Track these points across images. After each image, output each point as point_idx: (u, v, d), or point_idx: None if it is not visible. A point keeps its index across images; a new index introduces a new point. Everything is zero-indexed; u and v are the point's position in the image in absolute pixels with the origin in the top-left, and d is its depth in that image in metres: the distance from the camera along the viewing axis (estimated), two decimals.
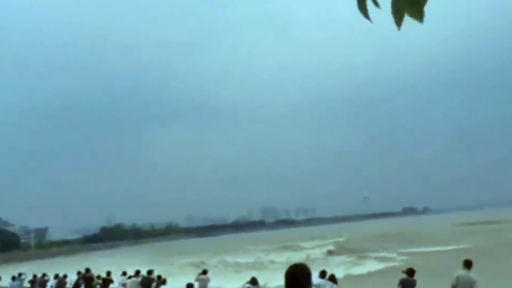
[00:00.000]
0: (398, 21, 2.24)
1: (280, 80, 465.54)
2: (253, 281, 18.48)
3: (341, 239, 73.16)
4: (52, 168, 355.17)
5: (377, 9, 2.30)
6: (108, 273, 25.37)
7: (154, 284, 22.47)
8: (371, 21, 2.33)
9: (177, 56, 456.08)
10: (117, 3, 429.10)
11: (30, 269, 46.45)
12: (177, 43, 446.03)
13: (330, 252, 59.31)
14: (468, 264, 12.96)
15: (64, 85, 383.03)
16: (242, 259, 58.02)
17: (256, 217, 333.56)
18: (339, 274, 17.80)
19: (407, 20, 2.22)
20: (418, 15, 2.20)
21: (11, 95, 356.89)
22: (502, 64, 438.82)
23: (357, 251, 54.63)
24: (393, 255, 49.40)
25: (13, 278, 29.65)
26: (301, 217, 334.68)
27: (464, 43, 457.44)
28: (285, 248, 69.63)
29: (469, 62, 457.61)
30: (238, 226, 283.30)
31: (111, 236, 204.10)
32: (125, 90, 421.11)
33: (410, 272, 14.85)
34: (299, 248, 67.64)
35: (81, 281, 24.87)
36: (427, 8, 2.20)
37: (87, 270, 25.53)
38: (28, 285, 27.91)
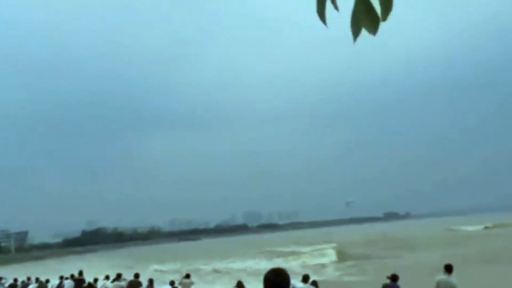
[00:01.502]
0: (356, 33, 2.22)
1: (263, 85, 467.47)
2: (239, 285, 18.51)
3: (333, 245, 69.88)
4: (33, 171, 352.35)
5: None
6: (80, 273, 25.23)
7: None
8: (326, 26, 2.29)
9: (167, 64, 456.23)
10: (115, 13, 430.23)
11: (10, 273, 46.02)
12: (167, 51, 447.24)
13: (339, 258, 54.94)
14: (448, 269, 12.99)
15: (51, 90, 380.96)
16: (235, 265, 53.40)
17: (239, 221, 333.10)
18: None
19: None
20: (373, 30, 2.20)
21: None
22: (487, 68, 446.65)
23: (360, 258, 51.89)
24: (403, 260, 45.26)
25: None
26: (284, 221, 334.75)
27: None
28: (281, 254, 65.43)
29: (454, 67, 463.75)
30: (220, 230, 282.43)
31: (92, 240, 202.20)
32: (108, 95, 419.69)
33: (394, 277, 14.98)
34: (295, 254, 63.68)
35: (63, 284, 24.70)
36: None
37: (80, 273, 25.42)
38: None
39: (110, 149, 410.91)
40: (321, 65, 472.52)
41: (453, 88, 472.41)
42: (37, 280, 27.45)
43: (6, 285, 28.17)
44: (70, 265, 60.08)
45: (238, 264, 53.13)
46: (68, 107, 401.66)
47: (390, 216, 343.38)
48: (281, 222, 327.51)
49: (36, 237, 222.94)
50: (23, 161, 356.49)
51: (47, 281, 27.62)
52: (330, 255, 57.61)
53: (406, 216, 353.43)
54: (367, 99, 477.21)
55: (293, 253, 64.62)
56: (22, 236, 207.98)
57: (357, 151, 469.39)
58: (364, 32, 2.22)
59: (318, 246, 70.39)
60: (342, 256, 55.61)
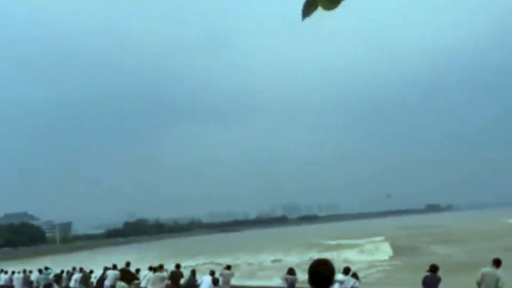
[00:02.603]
0: (308, 12, 2.27)
1: (295, 76, 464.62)
2: (291, 272, 18.29)
3: (381, 238, 65.03)
4: (77, 164, 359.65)
5: None
6: (127, 264, 24.87)
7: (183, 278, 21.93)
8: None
9: (200, 57, 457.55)
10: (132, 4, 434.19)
11: (55, 263, 46.32)
12: (196, 43, 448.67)
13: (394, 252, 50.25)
14: (497, 263, 12.77)
15: (90, 85, 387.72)
16: (289, 258, 49.14)
17: (279, 213, 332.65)
18: None
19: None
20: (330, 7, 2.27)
21: (34, 92, 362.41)
22: None
23: (418, 252, 47.26)
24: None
25: (40, 271, 29.52)
26: (323, 213, 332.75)
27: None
28: (332, 247, 61.02)
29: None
30: (260, 222, 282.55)
31: (134, 231, 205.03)
32: (149, 90, 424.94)
33: (433, 268, 14.35)
34: (347, 247, 58.83)
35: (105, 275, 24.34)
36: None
37: (127, 264, 25.09)
38: (53, 278, 27.53)
39: (153, 144, 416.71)
40: (352, 56, 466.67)
41: (489, 77, 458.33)
42: (81, 270, 27.30)
43: (51, 276, 28.00)
44: (113, 256, 60.20)
45: (292, 258, 48.30)
46: (106, 102, 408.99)
47: (432, 208, 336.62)
48: (320, 214, 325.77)
49: (80, 228, 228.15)
50: (67, 155, 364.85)
51: (91, 271, 27.47)
52: (385, 249, 53.19)
53: (448, 208, 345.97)
54: (401, 90, 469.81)
55: (345, 246, 60.46)
56: (66, 227, 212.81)
57: (398, 142, 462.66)
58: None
59: (369, 239, 65.65)
60: (398, 250, 50.90)
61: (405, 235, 73.92)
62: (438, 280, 13.97)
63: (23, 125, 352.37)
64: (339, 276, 15.45)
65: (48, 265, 31.67)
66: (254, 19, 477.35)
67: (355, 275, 16.39)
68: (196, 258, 56.65)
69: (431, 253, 46.08)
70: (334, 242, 67.02)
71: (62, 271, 29.14)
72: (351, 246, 59.28)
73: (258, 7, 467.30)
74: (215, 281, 17.56)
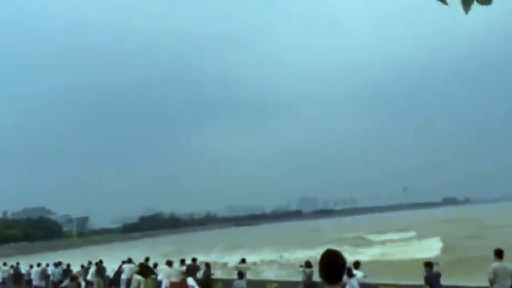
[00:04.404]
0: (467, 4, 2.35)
1: (317, 71, 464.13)
2: (308, 264, 18.22)
3: (412, 233, 60.19)
4: (93, 159, 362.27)
5: None
6: (147, 259, 25.00)
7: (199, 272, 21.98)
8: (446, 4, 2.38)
9: (227, 52, 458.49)
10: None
11: (71, 257, 46.47)
12: (226, 38, 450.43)
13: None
14: (499, 254, 12.36)
15: (107, 80, 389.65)
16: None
17: (294, 207, 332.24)
18: None
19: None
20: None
21: (57, 84, 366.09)
22: None
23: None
24: None
25: (55, 265, 30.04)
26: (339, 206, 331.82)
27: None
28: (363, 243, 55.38)
29: None
30: (276, 216, 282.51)
31: (150, 225, 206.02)
32: (163, 81, 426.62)
33: (428, 264, 14.15)
34: (380, 244, 53.13)
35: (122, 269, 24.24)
36: None
37: (147, 259, 25.02)
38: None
39: (168, 138, 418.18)
40: (386, 52, 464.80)
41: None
42: (98, 263, 27.29)
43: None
44: (128, 251, 59.69)
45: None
46: (124, 95, 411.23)
47: (449, 202, 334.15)
48: (336, 208, 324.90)
49: (97, 223, 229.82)
50: (85, 148, 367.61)
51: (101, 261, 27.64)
52: (432, 245, 46.12)
53: (466, 201, 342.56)
54: (430, 82, 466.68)
55: (378, 242, 55.36)
56: (83, 221, 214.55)
57: (414, 135, 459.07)
58: None
59: (401, 235, 61.44)
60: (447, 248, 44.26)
61: (439, 229, 66.89)
62: (439, 275, 13.87)
63: (39, 119, 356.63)
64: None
65: (62, 260, 31.94)
66: (281, 13, 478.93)
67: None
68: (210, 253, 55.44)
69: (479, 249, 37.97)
70: (373, 238, 61.79)
71: (68, 265, 29.45)
72: (390, 241, 55.18)
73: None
74: (240, 275, 17.40)
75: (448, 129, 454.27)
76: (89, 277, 25.92)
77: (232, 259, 39.26)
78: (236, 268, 21.45)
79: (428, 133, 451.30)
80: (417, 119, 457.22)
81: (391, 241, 55.96)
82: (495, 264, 12.19)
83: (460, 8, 2.40)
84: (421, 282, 14.26)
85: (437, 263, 14.62)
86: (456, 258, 35.82)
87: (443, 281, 14.08)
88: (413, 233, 61.78)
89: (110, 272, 26.55)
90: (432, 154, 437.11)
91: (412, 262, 32.58)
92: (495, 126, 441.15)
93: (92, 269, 26.62)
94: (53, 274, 28.75)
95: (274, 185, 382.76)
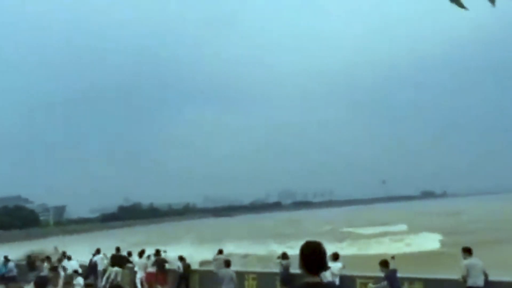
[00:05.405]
0: None
1: (293, 61, 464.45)
2: (284, 256, 18.26)
3: (403, 226, 59.19)
4: (71, 148, 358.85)
5: None
6: (118, 249, 24.46)
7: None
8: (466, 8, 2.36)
9: (211, 39, 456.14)
10: None
11: (48, 246, 45.66)
12: (212, 25, 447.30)
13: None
14: (469, 251, 12.63)
15: (90, 69, 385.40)
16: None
17: (273, 199, 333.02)
18: None
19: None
20: None
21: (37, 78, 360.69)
22: None
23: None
24: None
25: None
26: (318, 199, 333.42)
27: None
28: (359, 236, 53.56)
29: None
30: (255, 208, 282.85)
31: (129, 215, 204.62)
32: (139, 73, 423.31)
33: (384, 263, 14.01)
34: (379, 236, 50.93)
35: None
36: None
37: (117, 249, 24.42)
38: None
39: (146, 127, 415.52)
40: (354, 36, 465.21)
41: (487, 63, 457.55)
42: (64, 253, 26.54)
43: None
44: (106, 240, 58.90)
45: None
46: (103, 88, 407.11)
47: (427, 195, 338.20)
48: (315, 200, 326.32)
49: (75, 213, 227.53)
50: (62, 137, 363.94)
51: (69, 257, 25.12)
52: (429, 238, 45.35)
53: (443, 195, 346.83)
54: (411, 78, 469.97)
55: (375, 235, 53.03)
56: (60, 210, 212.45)
57: (393, 129, 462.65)
58: None
59: (392, 228, 60.10)
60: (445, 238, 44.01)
61: (429, 221, 67.75)
62: (395, 271, 13.85)
63: (19, 108, 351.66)
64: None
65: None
66: None
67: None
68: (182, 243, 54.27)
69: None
70: (367, 231, 59.59)
71: (29, 257, 28.46)
72: (384, 235, 53.12)
73: None
74: (227, 263, 17.17)
75: (425, 122, 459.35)
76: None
77: (209, 252, 38.76)
78: (214, 259, 21.19)
79: (405, 126, 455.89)
80: (394, 111, 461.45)
81: (383, 234, 54.20)
82: (466, 261, 12.43)
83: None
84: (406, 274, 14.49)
85: (393, 257, 14.64)
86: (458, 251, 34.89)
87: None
88: (404, 227, 60.94)
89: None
90: (411, 147, 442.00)
91: (414, 255, 32.98)
92: (475, 121, 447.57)
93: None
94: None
95: (252, 176, 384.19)
